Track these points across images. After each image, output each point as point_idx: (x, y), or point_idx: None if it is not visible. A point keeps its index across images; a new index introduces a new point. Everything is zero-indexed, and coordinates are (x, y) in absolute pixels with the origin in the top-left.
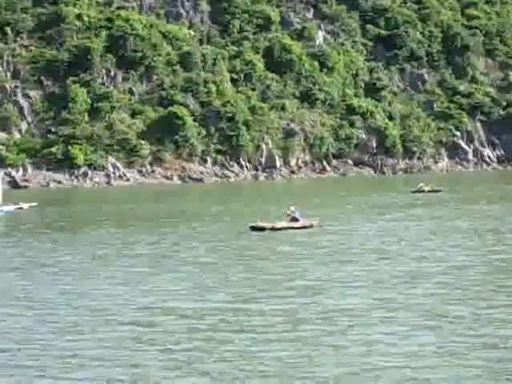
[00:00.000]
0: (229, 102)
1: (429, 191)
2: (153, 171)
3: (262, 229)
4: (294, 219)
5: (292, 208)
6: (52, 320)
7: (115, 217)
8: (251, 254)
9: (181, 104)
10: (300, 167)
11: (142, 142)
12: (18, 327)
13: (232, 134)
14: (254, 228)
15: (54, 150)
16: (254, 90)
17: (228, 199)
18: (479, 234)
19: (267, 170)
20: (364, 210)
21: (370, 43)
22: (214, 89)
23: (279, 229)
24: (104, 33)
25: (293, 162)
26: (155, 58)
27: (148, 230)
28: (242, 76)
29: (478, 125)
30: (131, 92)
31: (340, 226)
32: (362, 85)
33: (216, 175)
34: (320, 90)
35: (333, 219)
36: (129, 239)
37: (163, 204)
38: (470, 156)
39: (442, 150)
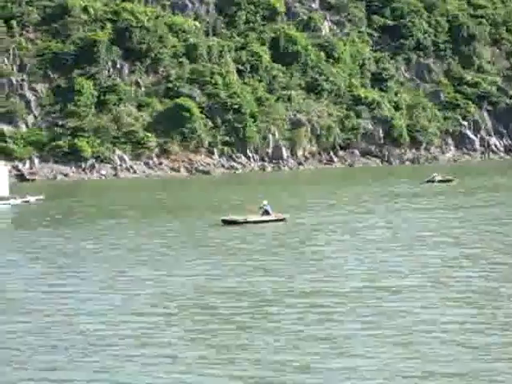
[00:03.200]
0: (235, 93)
1: (440, 181)
2: (160, 163)
3: (234, 222)
4: (266, 212)
5: (265, 202)
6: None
7: (125, 208)
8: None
9: (187, 96)
10: (307, 158)
11: (149, 134)
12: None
13: (239, 125)
14: (225, 221)
15: (60, 142)
16: (260, 81)
17: (228, 190)
18: None
19: (274, 161)
20: (379, 198)
21: (376, 33)
22: (220, 80)
23: (251, 222)
24: (110, 25)
25: (300, 153)
26: (161, 50)
27: (164, 219)
28: (248, 67)
29: (485, 114)
30: (137, 84)
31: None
32: (369, 75)
33: (223, 167)
34: (326, 80)
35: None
36: (149, 228)
37: (172, 195)
38: (477, 145)
39: (449, 140)
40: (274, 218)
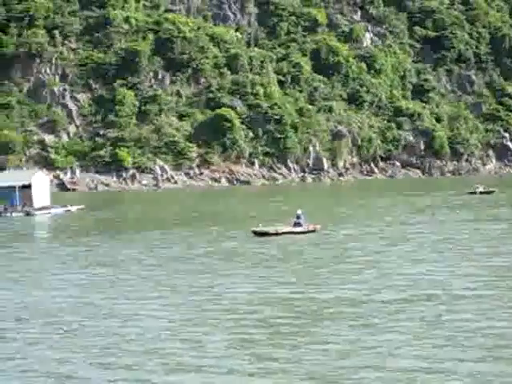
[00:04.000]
0: (276, 104)
1: (482, 192)
2: (200, 173)
3: (265, 233)
4: (297, 224)
5: (299, 211)
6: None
7: (166, 218)
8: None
9: (228, 106)
10: (347, 169)
11: (190, 144)
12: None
13: (279, 136)
14: (256, 233)
15: (101, 152)
16: (301, 92)
17: (267, 201)
18: None
19: (315, 172)
20: (419, 210)
21: (418, 45)
22: (261, 91)
23: (282, 233)
24: (151, 35)
25: (340, 164)
26: (202, 61)
27: (200, 231)
28: (290, 78)
29: None
30: (179, 94)
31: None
32: (410, 86)
33: (263, 177)
34: (367, 91)
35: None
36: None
37: (212, 206)
38: None
39: (490, 152)
40: (305, 230)
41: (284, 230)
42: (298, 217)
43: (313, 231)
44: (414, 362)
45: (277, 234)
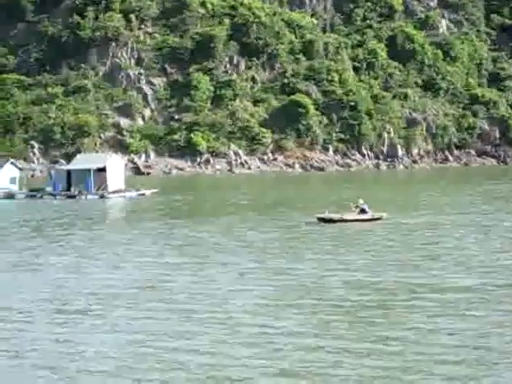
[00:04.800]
0: (351, 90)
1: None
2: (274, 159)
3: (330, 220)
4: (363, 211)
5: (361, 200)
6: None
7: (239, 203)
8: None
9: (303, 92)
10: (422, 157)
11: (264, 130)
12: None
13: (354, 122)
14: (321, 219)
15: (176, 136)
16: (376, 78)
17: (340, 188)
18: None
19: (389, 159)
20: (493, 199)
21: (494, 32)
22: (336, 77)
23: (347, 220)
24: (227, 20)
25: (414, 152)
26: (278, 46)
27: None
28: (365, 65)
29: None
30: (253, 80)
31: None
32: (486, 74)
33: (337, 164)
34: (443, 79)
35: None
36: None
37: (284, 191)
38: None
39: None
40: (370, 217)
41: (349, 217)
42: (360, 205)
43: (379, 219)
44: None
45: (342, 220)
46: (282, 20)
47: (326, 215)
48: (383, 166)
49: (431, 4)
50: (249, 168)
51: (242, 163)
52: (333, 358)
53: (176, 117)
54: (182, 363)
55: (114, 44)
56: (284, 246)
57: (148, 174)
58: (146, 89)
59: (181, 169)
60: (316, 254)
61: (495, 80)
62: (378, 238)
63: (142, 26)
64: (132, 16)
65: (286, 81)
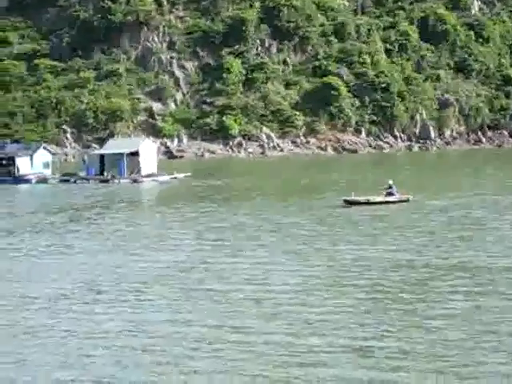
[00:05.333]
0: (383, 72)
1: None
2: (307, 142)
3: (357, 202)
4: (390, 194)
5: (390, 181)
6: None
7: (270, 186)
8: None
9: (335, 75)
10: (455, 138)
11: (297, 112)
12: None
13: (386, 104)
14: (347, 202)
15: (208, 120)
16: (408, 60)
17: (372, 170)
18: None
19: (421, 141)
20: None
21: None
22: (368, 59)
23: (374, 203)
24: (258, 3)
25: (447, 133)
26: (309, 29)
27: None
28: (397, 46)
29: None
30: (285, 63)
31: None
32: None
33: (370, 146)
34: (475, 60)
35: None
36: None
37: (316, 174)
38: None
39: None
40: (397, 199)
41: (376, 200)
42: (390, 187)
43: (406, 201)
44: None
45: (368, 203)
46: (313, 3)
47: (352, 198)
48: (416, 147)
49: None
50: (281, 151)
51: (274, 146)
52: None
53: (208, 100)
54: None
55: (145, 28)
56: (316, 229)
57: (181, 157)
58: (178, 73)
59: (213, 152)
60: (347, 236)
61: None
62: (404, 220)
63: (174, 10)
64: (163, 0)
65: (317, 63)
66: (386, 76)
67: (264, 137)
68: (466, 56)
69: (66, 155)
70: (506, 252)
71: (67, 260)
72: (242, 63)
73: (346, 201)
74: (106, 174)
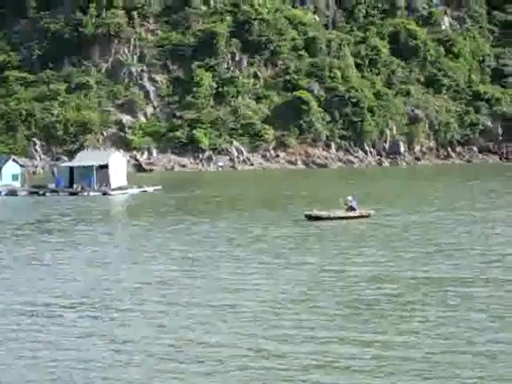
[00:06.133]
0: (353, 87)
1: None
2: (277, 156)
3: (318, 218)
4: (351, 208)
5: (349, 197)
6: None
7: (239, 199)
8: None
9: (305, 89)
10: (424, 153)
11: (267, 126)
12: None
13: (356, 119)
14: (309, 217)
15: (178, 133)
16: (378, 75)
17: (340, 185)
18: None
19: (391, 156)
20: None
21: (497, 29)
22: (338, 74)
23: (335, 218)
24: (229, 17)
25: (417, 148)
26: (280, 43)
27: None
28: (367, 61)
29: None
30: (256, 77)
31: None
32: (488, 71)
33: (340, 160)
34: (445, 75)
35: None
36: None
37: (282, 188)
38: None
39: None
40: (358, 215)
41: (337, 215)
42: (350, 201)
43: (366, 216)
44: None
45: (330, 218)
46: (285, 17)
47: (313, 212)
48: (386, 162)
49: (433, 1)
50: (251, 165)
51: (244, 160)
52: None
53: (178, 114)
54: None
55: (116, 41)
56: (277, 244)
57: (151, 170)
58: (148, 85)
59: (183, 166)
60: (305, 250)
61: (498, 76)
62: (360, 234)
63: (144, 23)
64: (134, 13)
65: (288, 77)
66: (356, 91)
67: (234, 150)
68: (436, 71)
69: (36, 167)
70: (444, 267)
71: (39, 271)
72: (213, 77)
73: (307, 216)
74: (75, 186)
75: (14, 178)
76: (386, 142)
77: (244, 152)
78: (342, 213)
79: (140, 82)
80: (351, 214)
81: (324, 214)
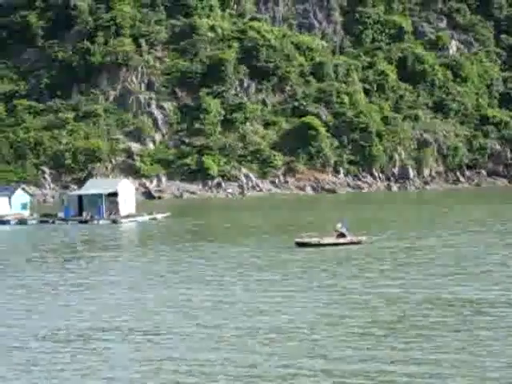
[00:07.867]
0: (361, 112)
1: None
2: (286, 182)
3: (308, 244)
4: (342, 235)
5: (339, 224)
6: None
7: (252, 227)
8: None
9: (314, 115)
10: (433, 178)
11: (275, 152)
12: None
13: (365, 144)
14: (299, 244)
15: (187, 160)
16: (386, 100)
17: (348, 210)
18: None
19: (400, 181)
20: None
21: (505, 53)
22: (346, 99)
23: (325, 245)
24: (237, 44)
25: (426, 173)
26: (288, 69)
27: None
28: (375, 86)
29: None
30: (264, 103)
31: None
32: (496, 95)
33: (349, 186)
34: (453, 100)
35: None
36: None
37: (288, 215)
38: None
39: None
40: (349, 241)
41: (327, 241)
42: (340, 228)
43: (357, 243)
44: None
45: (319, 244)
46: (292, 43)
47: (304, 239)
48: (394, 187)
49: (441, 25)
50: (260, 191)
51: (253, 186)
52: None
53: (187, 141)
54: None
55: (124, 69)
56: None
57: (160, 198)
58: (157, 113)
59: (192, 192)
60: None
61: (506, 100)
62: (352, 261)
63: (152, 51)
64: (142, 41)
65: (296, 103)
66: (364, 116)
67: (243, 177)
68: (444, 96)
69: (45, 196)
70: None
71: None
72: (221, 103)
73: (297, 243)
74: (84, 214)
75: (23, 206)
76: (394, 166)
77: (253, 178)
78: (331, 239)
79: (148, 109)
80: (341, 240)
81: (313, 240)
